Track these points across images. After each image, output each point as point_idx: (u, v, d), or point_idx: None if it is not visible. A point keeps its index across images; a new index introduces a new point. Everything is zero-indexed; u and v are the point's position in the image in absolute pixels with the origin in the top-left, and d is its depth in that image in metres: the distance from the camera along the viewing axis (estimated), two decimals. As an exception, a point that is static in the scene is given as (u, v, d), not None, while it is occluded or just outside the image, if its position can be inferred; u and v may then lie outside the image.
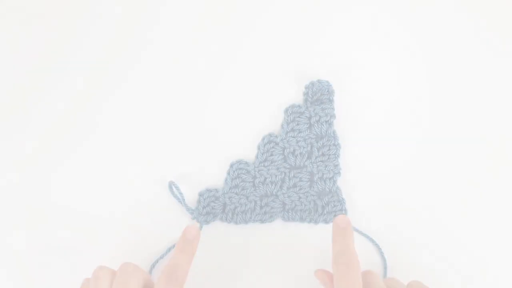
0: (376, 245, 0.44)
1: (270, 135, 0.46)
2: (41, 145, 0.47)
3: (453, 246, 0.45)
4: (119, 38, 0.50)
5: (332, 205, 0.45)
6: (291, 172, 0.46)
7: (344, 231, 0.40)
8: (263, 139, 0.46)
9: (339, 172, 0.45)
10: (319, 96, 0.47)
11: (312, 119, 0.46)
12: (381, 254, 0.44)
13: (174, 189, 0.45)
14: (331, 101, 0.46)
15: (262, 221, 0.45)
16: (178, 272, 0.38)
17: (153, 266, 0.44)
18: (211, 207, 0.45)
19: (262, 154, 0.46)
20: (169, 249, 0.44)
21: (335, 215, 0.44)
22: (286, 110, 0.47)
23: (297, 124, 0.46)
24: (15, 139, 0.47)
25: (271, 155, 0.46)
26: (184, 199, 0.44)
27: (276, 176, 0.45)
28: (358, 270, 0.37)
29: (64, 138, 0.47)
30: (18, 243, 0.45)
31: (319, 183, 0.45)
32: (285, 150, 0.46)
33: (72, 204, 0.46)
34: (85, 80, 0.49)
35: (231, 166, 0.46)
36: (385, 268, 0.44)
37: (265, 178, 0.45)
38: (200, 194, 0.45)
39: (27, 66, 0.49)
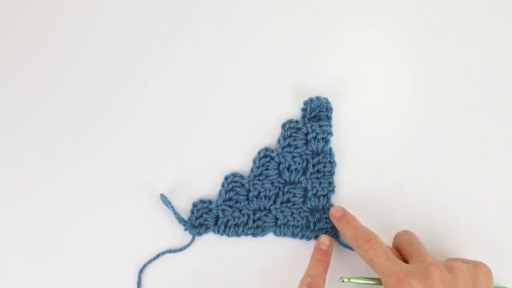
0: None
1: (266, 149, 0.46)
2: (40, 152, 0.48)
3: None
4: (117, 49, 0.50)
5: (324, 222, 0.45)
6: (285, 188, 0.46)
7: (344, 217, 0.42)
8: (259, 153, 0.46)
9: (333, 190, 0.45)
10: (317, 113, 0.47)
11: (309, 135, 0.46)
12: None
13: (165, 202, 0.45)
14: (329, 118, 0.46)
15: (254, 235, 0.45)
16: (317, 281, 0.40)
17: (141, 271, 0.44)
18: (204, 218, 0.45)
19: (257, 168, 0.46)
20: (158, 255, 0.44)
21: (326, 231, 0.45)
22: (284, 125, 0.47)
23: (294, 140, 0.46)
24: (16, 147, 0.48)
25: (266, 169, 0.46)
26: (175, 212, 0.45)
27: (270, 190, 0.45)
28: (380, 242, 0.40)
29: (62, 147, 0.48)
30: (16, 244, 0.46)
31: (313, 199, 0.45)
32: (281, 165, 0.46)
33: (65, 210, 0.46)
34: (81, 89, 0.49)
35: (226, 178, 0.46)
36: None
37: (259, 192, 0.45)
38: (194, 205, 0.46)
39: (27, 74, 0.50)
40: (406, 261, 0.40)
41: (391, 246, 0.43)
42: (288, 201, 0.45)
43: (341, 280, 0.40)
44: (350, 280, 0.41)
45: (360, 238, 0.40)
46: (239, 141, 0.47)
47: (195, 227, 0.45)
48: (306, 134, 0.46)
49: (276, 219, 0.45)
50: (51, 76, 0.49)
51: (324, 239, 0.43)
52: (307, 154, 0.46)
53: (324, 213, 0.45)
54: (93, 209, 0.46)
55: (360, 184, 0.46)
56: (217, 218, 0.45)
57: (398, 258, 0.40)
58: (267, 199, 0.45)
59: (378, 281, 0.40)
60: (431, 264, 0.37)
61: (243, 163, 0.47)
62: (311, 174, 0.46)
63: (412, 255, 0.40)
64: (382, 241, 0.40)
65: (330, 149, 0.46)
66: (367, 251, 0.40)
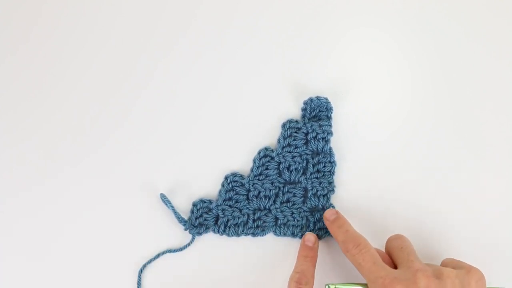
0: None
1: (266, 149, 0.46)
2: (40, 152, 0.48)
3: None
4: (117, 49, 0.50)
5: (324, 222, 0.45)
6: (285, 187, 0.46)
7: (336, 220, 0.42)
8: (259, 152, 0.46)
9: (333, 190, 0.45)
10: (317, 113, 0.47)
11: (309, 135, 0.46)
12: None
13: (165, 202, 0.45)
14: (329, 118, 0.46)
15: (254, 235, 0.45)
16: (306, 276, 0.40)
17: (141, 271, 0.44)
18: (204, 218, 0.45)
19: (257, 168, 0.46)
20: (158, 255, 0.44)
21: (326, 231, 0.45)
22: (284, 125, 0.47)
23: (294, 140, 0.46)
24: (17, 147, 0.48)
25: (266, 169, 0.46)
26: (175, 212, 0.45)
27: (270, 190, 0.45)
28: (369, 247, 0.40)
29: (62, 147, 0.48)
30: (16, 244, 0.46)
31: (313, 199, 0.45)
32: (280, 165, 0.46)
33: (65, 210, 0.46)
34: (81, 89, 0.49)
35: (226, 178, 0.46)
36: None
37: (259, 192, 0.45)
38: (194, 204, 0.46)
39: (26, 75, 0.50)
40: (396, 266, 0.40)
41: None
42: (288, 201, 0.45)
43: (326, 286, 0.40)
44: (336, 286, 0.40)
45: (349, 243, 0.40)
46: (239, 141, 0.47)
47: (195, 227, 0.45)
48: (306, 134, 0.46)
49: (276, 219, 0.45)
50: (51, 76, 0.49)
51: (310, 236, 0.43)
52: (307, 154, 0.46)
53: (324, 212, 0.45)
54: (93, 209, 0.46)
55: (360, 184, 0.46)
56: (217, 218, 0.45)
57: (390, 263, 0.40)
58: (267, 199, 0.45)
59: (365, 286, 0.40)
60: (418, 270, 0.37)
61: (243, 163, 0.47)
62: (311, 174, 0.46)
63: (401, 260, 0.39)
64: (372, 246, 0.40)
65: (330, 149, 0.46)
66: (355, 255, 0.39)
